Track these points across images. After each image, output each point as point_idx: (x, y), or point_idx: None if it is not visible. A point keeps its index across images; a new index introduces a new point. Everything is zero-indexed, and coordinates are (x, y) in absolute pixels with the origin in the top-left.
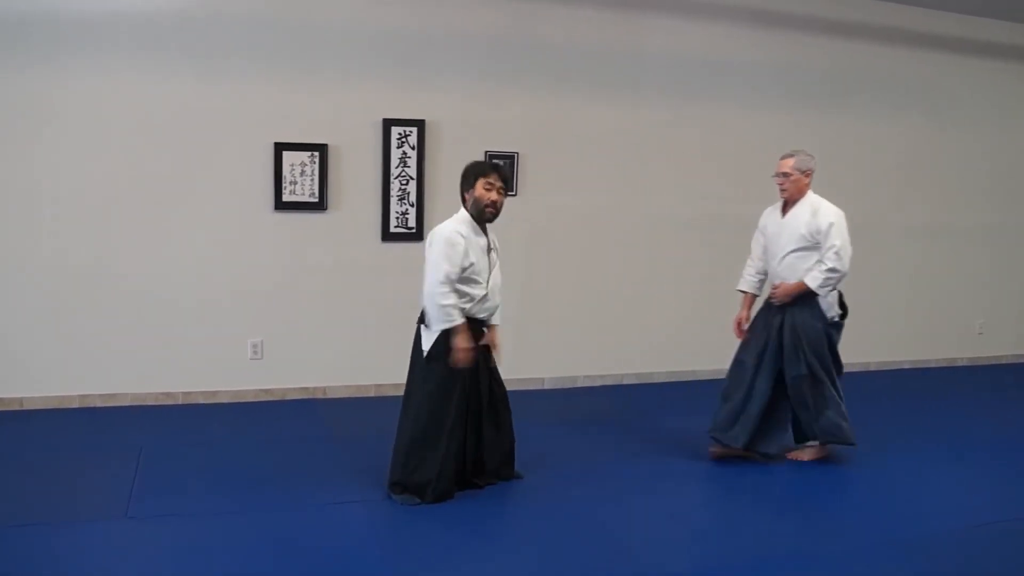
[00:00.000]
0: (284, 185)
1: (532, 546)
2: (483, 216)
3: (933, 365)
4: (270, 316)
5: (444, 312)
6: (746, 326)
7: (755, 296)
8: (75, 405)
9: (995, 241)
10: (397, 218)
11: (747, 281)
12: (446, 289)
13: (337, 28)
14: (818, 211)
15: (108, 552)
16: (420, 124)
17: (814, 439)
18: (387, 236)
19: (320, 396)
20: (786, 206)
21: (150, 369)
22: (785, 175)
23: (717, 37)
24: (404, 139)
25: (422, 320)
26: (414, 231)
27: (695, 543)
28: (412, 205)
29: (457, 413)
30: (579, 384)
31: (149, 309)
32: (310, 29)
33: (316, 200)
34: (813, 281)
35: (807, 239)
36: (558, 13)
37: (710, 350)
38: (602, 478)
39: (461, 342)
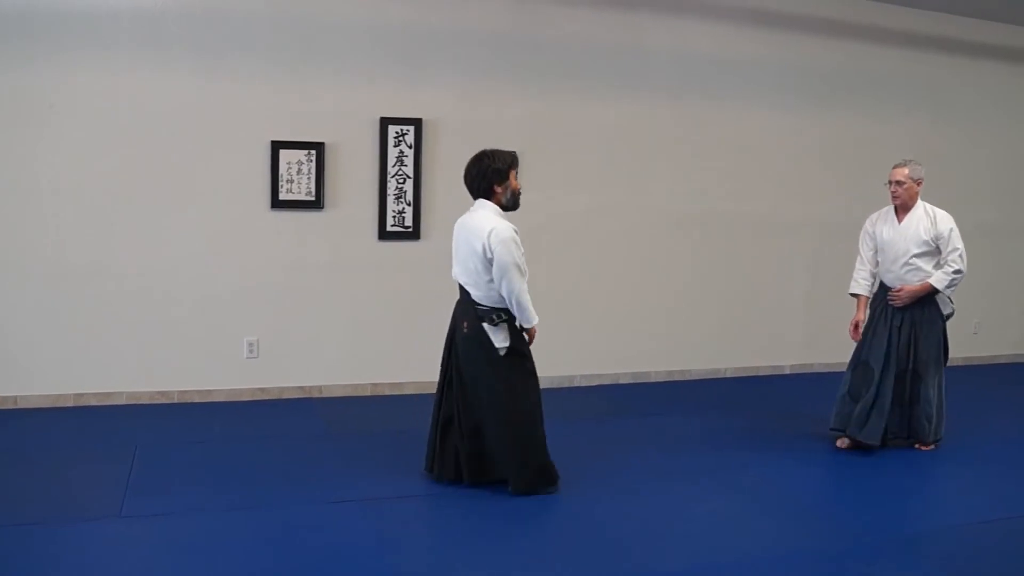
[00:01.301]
0: (281, 183)
1: (528, 545)
2: (517, 206)
3: None
4: (266, 315)
5: (532, 309)
6: (862, 328)
7: (868, 298)
8: (70, 404)
9: (992, 241)
10: (394, 217)
11: (861, 285)
12: (526, 287)
13: (334, 26)
14: (936, 217)
15: (102, 551)
16: (417, 123)
17: (895, 435)
18: (384, 235)
19: (316, 395)
20: (898, 212)
21: (146, 368)
22: (899, 183)
23: (719, 36)
24: (401, 138)
25: (482, 319)
26: (411, 230)
27: (693, 541)
28: (409, 204)
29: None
30: (575, 384)
31: (145, 307)
32: (307, 27)
33: (313, 199)
34: (940, 283)
35: (929, 244)
36: (556, 11)
37: (705, 350)
38: (598, 477)
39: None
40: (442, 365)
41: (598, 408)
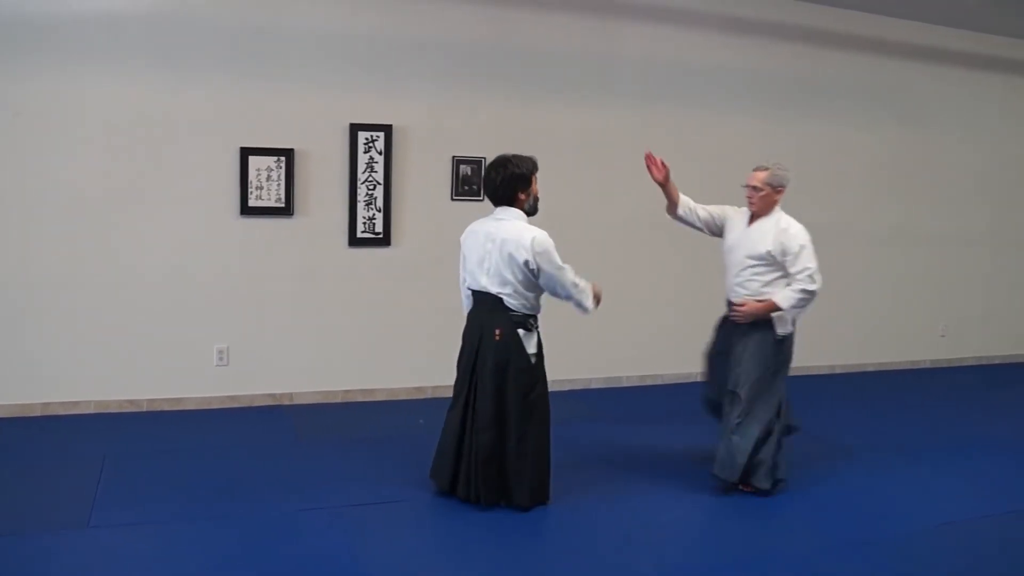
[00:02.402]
0: (250, 190)
1: (500, 551)
2: (536, 211)
3: (897, 367)
4: (236, 322)
5: (588, 296)
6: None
7: (676, 205)
8: (37, 413)
9: (958, 245)
10: (364, 223)
11: (684, 202)
12: (577, 281)
13: (304, 33)
14: (787, 231)
15: (70, 563)
16: (387, 129)
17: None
18: (354, 241)
19: (287, 402)
20: (753, 217)
21: (114, 376)
22: (755, 189)
23: (688, 43)
24: (371, 144)
25: (518, 325)
26: (381, 236)
27: (660, 545)
28: (379, 210)
29: None
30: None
31: (113, 315)
32: (277, 34)
33: (282, 205)
34: (786, 301)
35: (768, 258)
36: (526, 18)
37: (677, 354)
38: (570, 483)
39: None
40: (462, 380)
41: (569, 414)
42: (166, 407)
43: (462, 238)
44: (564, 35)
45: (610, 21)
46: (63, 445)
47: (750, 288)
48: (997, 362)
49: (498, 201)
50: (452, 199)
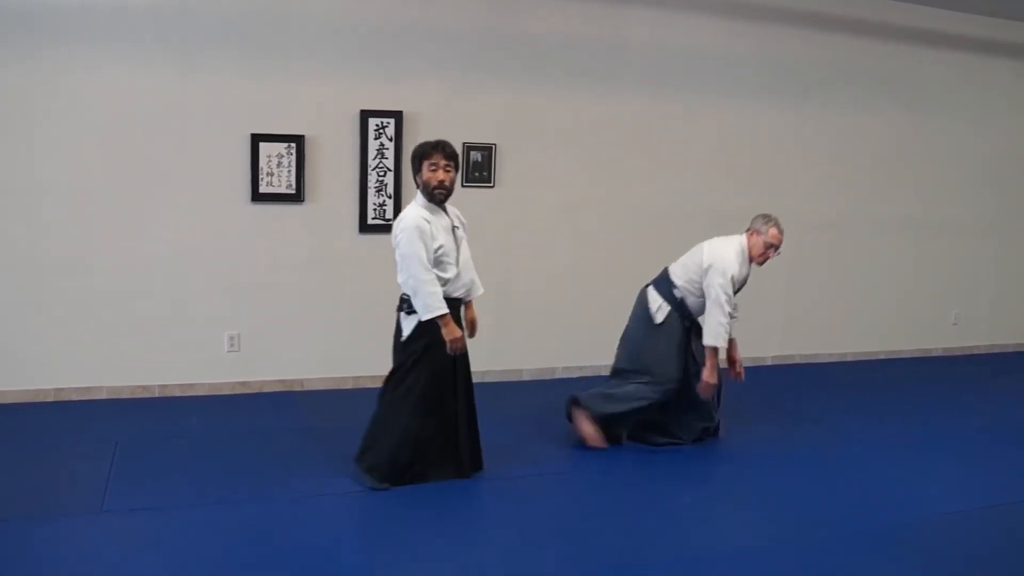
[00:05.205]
0: (261, 177)
1: (506, 538)
2: (434, 198)
3: (908, 355)
4: (247, 308)
5: (431, 300)
6: None
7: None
8: (50, 399)
9: (970, 233)
10: (375, 210)
11: None
12: (428, 277)
13: (315, 19)
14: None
15: (83, 547)
16: (398, 115)
17: None
18: (365, 228)
19: (297, 388)
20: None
21: (126, 362)
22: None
23: (697, 29)
24: (382, 130)
25: (401, 307)
26: (391, 223)
27: (668, 534)
28: (390, 197)
29: (438, 397)
30: (558, 376)
31: (125, 301)
32: (287, 20)
33: (293, 192)
34: None
35: None
36: (536, 4)
37: None
38: (579, 469)
39: (451, 332)
40: None
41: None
42: (177, 393)
43: None
44: (576, 21)
45: (621, 7)
46: (76, 430)
47: None
48: (1010, 350)
49: None
50: (463, 186)
